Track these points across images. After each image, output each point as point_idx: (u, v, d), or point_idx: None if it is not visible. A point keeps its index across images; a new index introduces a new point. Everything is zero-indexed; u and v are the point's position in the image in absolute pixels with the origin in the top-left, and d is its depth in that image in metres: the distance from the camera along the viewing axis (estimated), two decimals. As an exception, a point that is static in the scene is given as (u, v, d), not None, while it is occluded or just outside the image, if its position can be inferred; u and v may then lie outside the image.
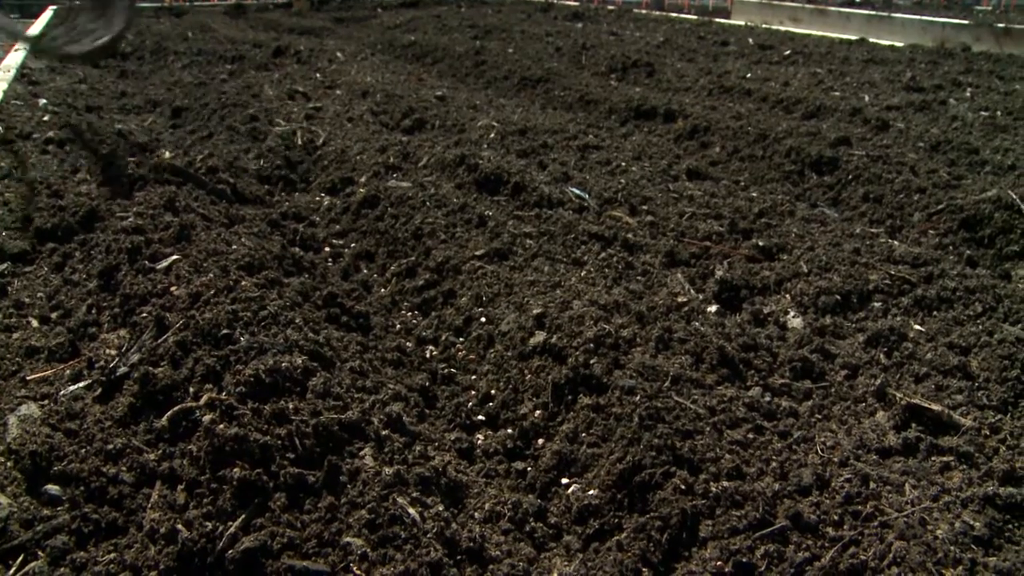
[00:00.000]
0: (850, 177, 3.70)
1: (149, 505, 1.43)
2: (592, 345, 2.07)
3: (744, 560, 1.55)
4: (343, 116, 4.26)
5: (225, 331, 1.73)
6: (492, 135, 3.81)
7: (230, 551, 1.29)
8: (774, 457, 1.77)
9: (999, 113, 4.72)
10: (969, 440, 1.87)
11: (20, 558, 1.38)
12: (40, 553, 1.39)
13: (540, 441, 1.98)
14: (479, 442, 1.97)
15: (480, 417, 2.09)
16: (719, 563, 1.56)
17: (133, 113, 4.40)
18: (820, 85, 5.45)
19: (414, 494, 1.39)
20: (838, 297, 2.55)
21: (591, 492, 1.79)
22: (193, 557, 1.32)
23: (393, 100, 4.68)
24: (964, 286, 2.55)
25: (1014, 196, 3.28)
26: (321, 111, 4.32)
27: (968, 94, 5.22)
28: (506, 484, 1.78)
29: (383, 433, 1.54)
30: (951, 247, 3.20)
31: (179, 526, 1.35)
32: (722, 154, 4.11)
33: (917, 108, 4.82)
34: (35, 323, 2.31)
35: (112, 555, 1.37)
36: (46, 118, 3.92)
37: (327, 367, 1.70)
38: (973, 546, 1.48)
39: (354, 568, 1.23)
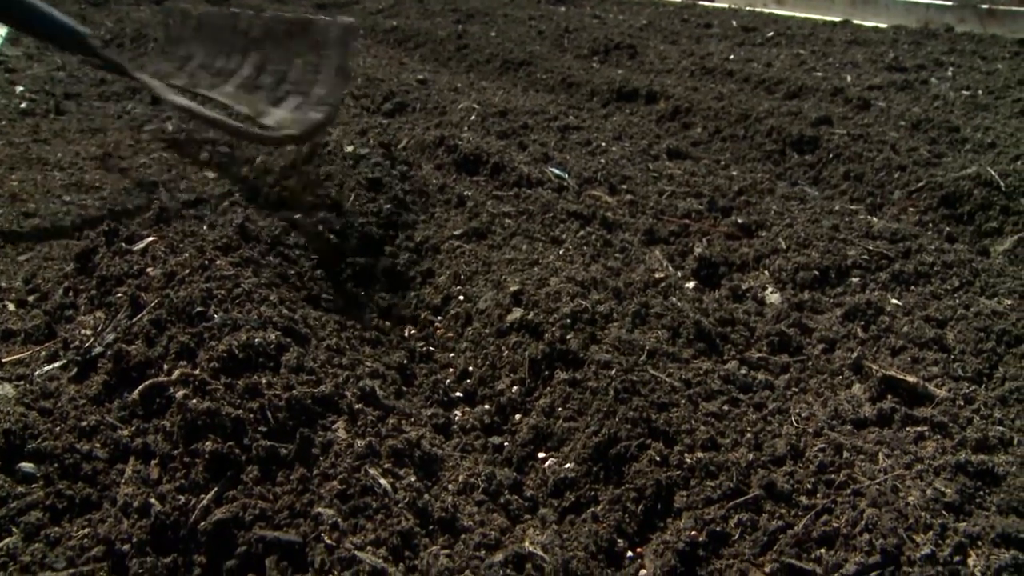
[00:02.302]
0: (831, 156, 3.71)
1: (123, 480, 1.42)
2: (569, 321, 2.07)
3: (718, 529, 1.56)
4: (324, 100, 4.24)
5: (199, 309, 1.73)
6: (473, 117, 3.80)
7: (202, 523, 1.29)
8: (749, 428, 1.78)
9: (980, 92, 4.74)
10: (944, 411, 1.89)
11: (-6, 534, 1.38)
12: (14, 529, 1.38)
13: (517, 416, 1.98)
14: (456, 418, 1.97)
15: (458, 394, 2.09)
16: (693, 532, 1.57)
17: (113, 100, 4.37)
18: (803, 66, 5.46)
19: (386, 466, 1.39)
20: (816, 273, 2.56)
21: (567, 466, 1.79)
22: (166, 530, 1.32)
23: (374, 84, 4.66)
24: (942, 261, 2.57)
25: (993, 173, 3.30)
26: (301, 95, 4.29)
27: (950, 73, 5.23)
28: (482, 459, 1.78)
29: (357, 407, 1.54)
30: (931, 224, 3.22)
31: (152, 500, 1.35)
32: (703, 134, 4.11)
33: (899, 88, 4.83)
34: (11, 307, 2.29)
35: (86, 530, 1.36)
36: (23, 105, 3.88)
37: (302, 343, 1.70)
38: (944, 512, 1.49)
39: (325, 537, 1.23)
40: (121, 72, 3.38)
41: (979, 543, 1.41)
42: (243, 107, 2.91)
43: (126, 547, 1.30)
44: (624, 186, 3.14)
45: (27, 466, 1.50)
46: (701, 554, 1.54)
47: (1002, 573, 1.33)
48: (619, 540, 1.63)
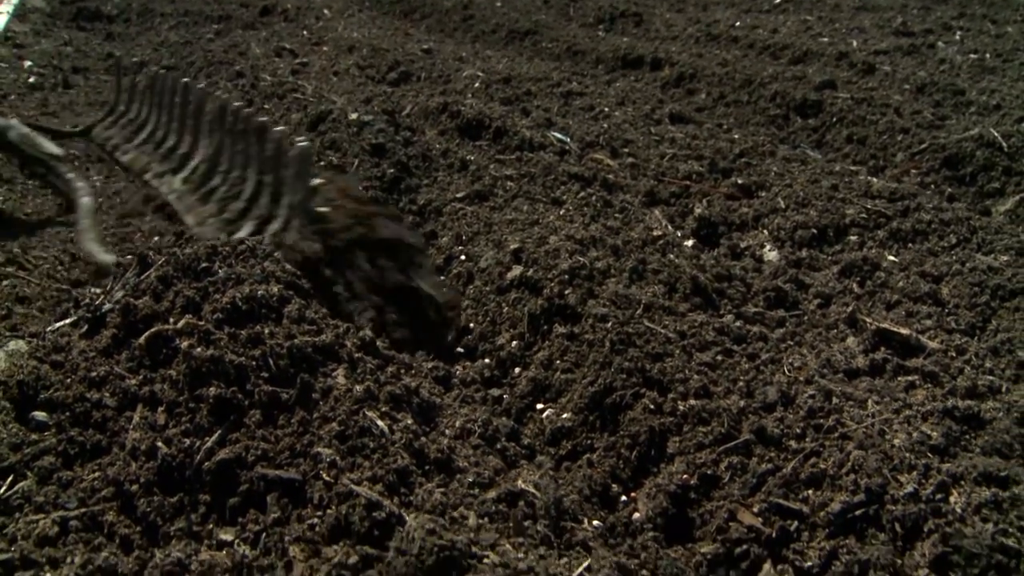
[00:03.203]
0: (834, 119, 3.71)
1: (131, 426, 1.47)
2: (567, 276, 2.10)
3: (709, 472, 1.60)
4: (329, 71, 4.26)
5: (204, 264, 1.77)
6: (477, 84, 3.82)
7: (207, 463, 1.34)
8: (741, 377, 1.82)
9: (988, 56, 4.71)
10: (935, 361, 1.92)
11: (10, 478, 1.44)
12: (29, 473, 1.44)
13: (516, 370, 2.03)
14: (457, 372, 2.01)
15: (459, 349, 2.14)
16: (685, 476, 1.61)
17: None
18: (809, 31, 5.43)
19: (384, 409, 1.44)
20: (814, 231, 2.58)
21: (564, 416, 1.84)
22: (172, 471, 1.37)
23: (379, 54, 4.68)
24: (940, 219, 2.58)
25: (996, 134, 3.30)
26: (307, 66, 4.32)
27: (958, 37, 5.19)
28: (482, 409, 1.83)
29: (357, 356, 1.58)
30: (933, 185, 3.23)
31: (159, 443, 1.40)
32: (708, 100, 4.12)
33: (905, 52, 4.80)
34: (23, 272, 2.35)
35: (96, 473, 1.42)
36: (32, 80, 3.93)
37: (304, 297, 1.75)
38: (929, 453, 1.53)
39: (324, 474, 1.28)
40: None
41: (962, 482, 1.44)
42: (190, 219, 2.58)
43: (134, 487, 1.35)
44: (626, 149, 3.16)
45: (40, 415, 1.55)
46: (692, 496, 1.59)
47: (982, 509, 1.37)
48: (613, 485, 1.67)
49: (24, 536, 1.24)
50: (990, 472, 1.43)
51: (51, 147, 2.98)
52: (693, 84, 4.27)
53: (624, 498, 1.66)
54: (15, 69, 4.20)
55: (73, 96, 3.86)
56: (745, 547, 1.45)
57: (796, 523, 1.46)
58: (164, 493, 1.35)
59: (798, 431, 1.63)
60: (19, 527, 1.26)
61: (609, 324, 1.93)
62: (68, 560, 1.20)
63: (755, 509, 1.50)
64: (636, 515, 1.59)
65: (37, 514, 1.35)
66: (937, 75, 4.16)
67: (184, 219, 2.61)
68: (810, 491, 1.51)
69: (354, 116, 3.10)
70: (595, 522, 1.54)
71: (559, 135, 3.18)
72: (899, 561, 1.34)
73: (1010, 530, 1.30)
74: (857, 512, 1.43)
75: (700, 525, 1.54)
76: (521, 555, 1.19)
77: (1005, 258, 2.41)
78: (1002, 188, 3.15)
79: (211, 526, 1.28)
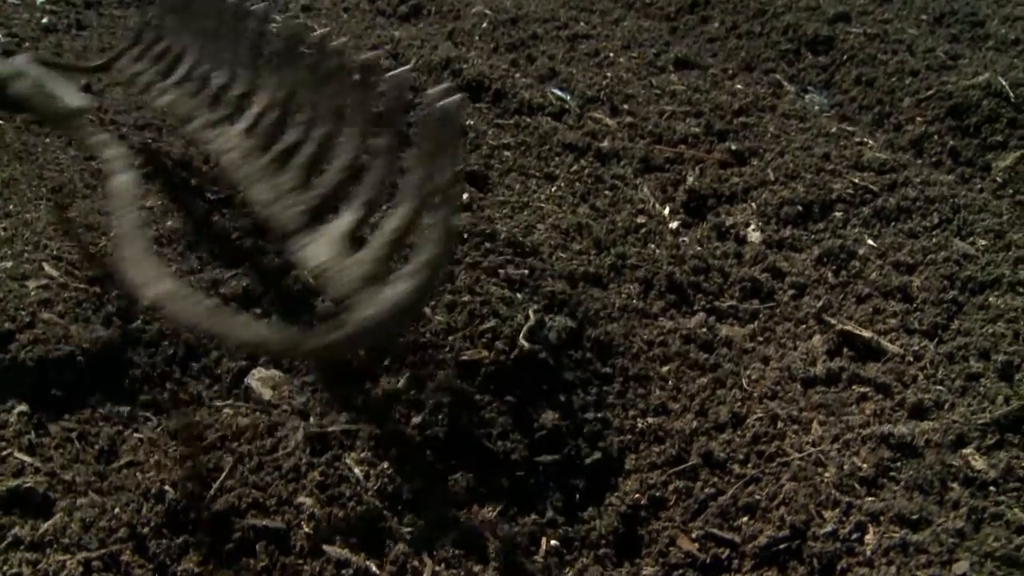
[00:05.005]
0: (845, 58, 3.66)
1: None
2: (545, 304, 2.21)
3: (657, 495, 1.77)
4: (340, 6, 4.25)
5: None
6: (484, 24, 3.80)
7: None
8: (699, 393, 1.95)
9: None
10: (891, 369, 2.03)
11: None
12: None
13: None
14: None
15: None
16: (637, 495, 1.78)
17: (134, 6, 4.42)
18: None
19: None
20: (800, 208, 2.64)
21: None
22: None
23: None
24: (925, 196, 2.62)
25: (1004, 83, 3.26)
26: (318, 1, 4.30)
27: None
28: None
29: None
30: (936, 136, 3.23)
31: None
32: (720, 30, 4.05)
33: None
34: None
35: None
36: (45, 20, 3.98)
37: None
38: (856, 486, 1.67)
39: None
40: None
41: (880, 520, 1.59)
42: (257, 193, 1.88)
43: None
44: (626, 106, 3.19)
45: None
46: (643, 515, 1.76)
47: (889, 552, 1.52)
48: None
49: None
50: (903, 514, 1.58)
51: (73, 98, 2.21)
52: (707, 11, 4.19)
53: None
54: (28, 6, 4.24)
55: (86, 39, 3.92)
56: (682, 572, 1.64)
57: (728, 551, 1.63)
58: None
59: (742, 456, 1.78)
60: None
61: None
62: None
63: (693, 535, 1.67)
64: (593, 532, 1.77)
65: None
66: (957, 3, 4.03)
67: (248, 192, 1.98)
68: (744, 519, 1.67)
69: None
70: (552, 541, 1.72)
71: (559, 92, 3.21)
72: (812, 597, 1.51)
73: (907, 580, 1.46)
74: (781, 546, 1.59)
75: (648, 544, 1.72)
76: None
77: (983, 242, 2.47)
78: (1005, 142, 3.15)
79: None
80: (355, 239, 1.63)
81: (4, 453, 1.59)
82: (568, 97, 3.19)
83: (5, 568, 1.45)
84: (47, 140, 2.99)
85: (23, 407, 1.67)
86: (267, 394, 1.79)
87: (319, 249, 1.61)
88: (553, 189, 2.69)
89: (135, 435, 1.69)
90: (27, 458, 1.63)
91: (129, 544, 1.52)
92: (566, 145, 2.88)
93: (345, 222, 1.67)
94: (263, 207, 1.85)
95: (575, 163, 2.82)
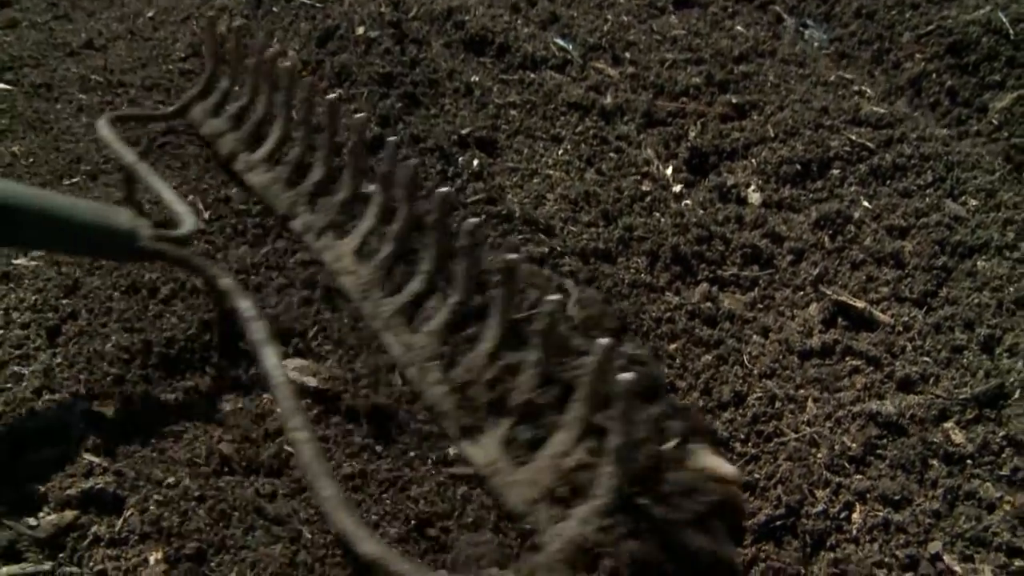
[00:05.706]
0: (846, -12, 3.65)
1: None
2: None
3: (666, 472, 1.94)
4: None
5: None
6: (485, -40, 3.77)
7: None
8: (704, 371, 2.11)
9: None
10: (881, 340, 2.18)
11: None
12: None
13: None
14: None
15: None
16: (647, 472, 1.95)
17: None
18: None
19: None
20: (798, 167, 2.73)
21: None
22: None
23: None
24: (920, 153, 2.71)
25: (1004, 19, 3.29)
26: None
27: None
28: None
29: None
30: (934, 75, 3.28)
31: None
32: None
33: None
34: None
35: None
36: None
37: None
38: (846, 464, 1.85)
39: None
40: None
41: (866, 498, 1.78)
42: (397, 349, 1.82)
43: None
44: (627, 54, 3.22)
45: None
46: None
47: (873, 530, 1.71)
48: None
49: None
50: (886, 494, 1.76)
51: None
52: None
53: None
54: None
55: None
56: (688, 545, 1.83)
57: (731, 527, 1.82)
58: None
59: (743, 436, 1.95)
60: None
61: (591, 317, 2.20)
62: None
63: (699, 512, 1.86)
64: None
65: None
66: (962, -73, 3.97)
67: (387, 345, 1.86)
68: (744, 496, 1.86)
69: (361, 31, 3.16)
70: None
71: (561, 42, 3.23)
72: (803, 570, 1.71)
73: (886, 560, 1.65)
74: (778, 523, 1.78)
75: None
76: None
77: (975, 202, 2.58)
78: (1003, 81, 3.21)
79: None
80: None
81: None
82: (570, 47, 3.22)
83: (91, 564, 1.63)
84: (58, 107, 3.06)
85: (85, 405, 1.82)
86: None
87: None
88: (560, 152, 2.77)
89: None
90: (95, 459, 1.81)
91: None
92: (571, 104, 2.94)
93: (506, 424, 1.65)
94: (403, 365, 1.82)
95: (580, 123, 2.88)
